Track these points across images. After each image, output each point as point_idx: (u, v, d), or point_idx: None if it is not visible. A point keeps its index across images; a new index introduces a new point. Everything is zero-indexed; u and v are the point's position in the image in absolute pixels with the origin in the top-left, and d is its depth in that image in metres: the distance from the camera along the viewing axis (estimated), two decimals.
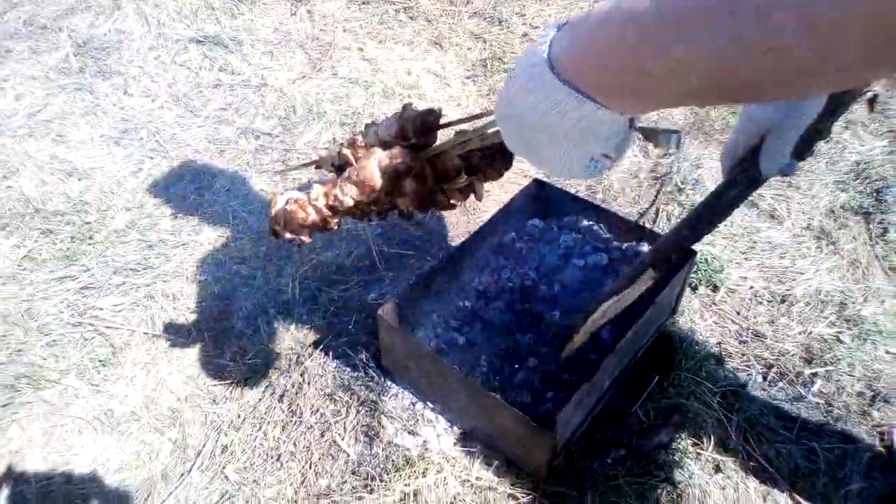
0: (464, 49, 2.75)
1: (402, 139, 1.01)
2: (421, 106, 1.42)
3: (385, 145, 1.02)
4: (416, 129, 0.98)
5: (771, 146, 0.82)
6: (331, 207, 1.05)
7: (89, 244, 1.91)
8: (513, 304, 1.48)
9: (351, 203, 1.02)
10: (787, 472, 1.37)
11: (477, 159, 0.96)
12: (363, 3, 3.04)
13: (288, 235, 1.10)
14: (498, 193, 2.02)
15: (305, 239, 1.10)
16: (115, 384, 1.58)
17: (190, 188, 2.09)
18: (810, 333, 1.63)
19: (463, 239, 1.63)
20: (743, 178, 0.86)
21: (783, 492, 1.33)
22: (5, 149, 2.22)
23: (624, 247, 1.53)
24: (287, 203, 1.09)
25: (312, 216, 1.06)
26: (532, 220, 1.66)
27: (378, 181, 0.99)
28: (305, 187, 1.25)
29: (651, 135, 0.68)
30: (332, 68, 2.63)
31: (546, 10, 3.00)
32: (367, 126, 1.09)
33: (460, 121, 1.02)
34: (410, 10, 3.00)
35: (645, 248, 1.49)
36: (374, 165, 0.99)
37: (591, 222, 1.58)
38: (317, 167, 1.25)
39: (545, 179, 1.74)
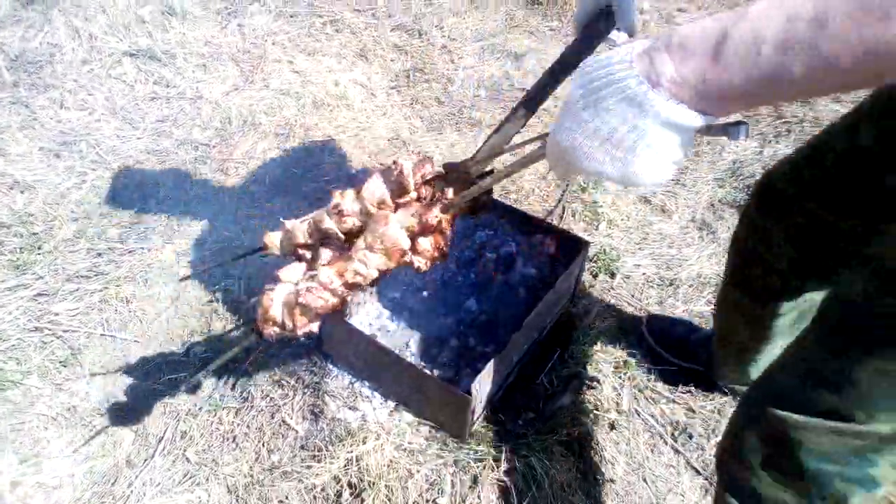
0: (387, 61, 2.95)
1: (402, 196, 0.98)
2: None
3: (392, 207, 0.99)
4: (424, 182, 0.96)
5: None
6: (351, 285, 0.98)
7: (38, 254, 2.02)
8: (435, 294, 1.70)
9: (376, 274, 0.96)
10: (670, 428, 1.64)
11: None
12: (290, 16, 3.19)
13: (291, 328, 1.02)
14: None
15: (314, 329, 1.03)
16: (76, 383, 1.71)
17: (135, 197, 2.22)
18: (692, 311, 1.92)
19: None
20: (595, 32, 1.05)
21: (666, 444, 1.60)
22: None
23: (530, 239, 1.77)
24: (295, 296, 1.00)
25: (332, 301, 0.99)
26: None
27: (407, 243, 0.93)
28: (287, 275, 1.11)
29: (719, 130, 0.67)
30: (263, 80, 2.79)
31: (463, 23, 3.23)
32: (342, 196, 1.03)
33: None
34: (336, 23, 3.18)
35: (548, 240, 1.74)
36: (397, 228, 0.94)
37: (502, 219, 1.82)
38: (263, 252, 1.16)
39: None
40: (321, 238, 1.07)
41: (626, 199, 2.23)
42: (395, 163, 0.98)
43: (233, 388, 1.69)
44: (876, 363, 0.86)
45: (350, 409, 1.56)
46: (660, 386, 1.73)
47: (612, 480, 1.51)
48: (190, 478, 1.54)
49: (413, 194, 0.98)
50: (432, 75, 2.91)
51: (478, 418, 1.52)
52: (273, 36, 3.04)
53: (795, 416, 0.95)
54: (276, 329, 1.03)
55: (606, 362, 1.70)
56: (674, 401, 1.68)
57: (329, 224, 1.03)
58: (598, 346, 1.73)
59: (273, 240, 1.13)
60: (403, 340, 1.63)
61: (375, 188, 0.98)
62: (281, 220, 1.17)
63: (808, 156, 1.12)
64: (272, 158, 2.39)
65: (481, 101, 2.79)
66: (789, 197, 1.15)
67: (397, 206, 0.99)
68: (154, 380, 1.72)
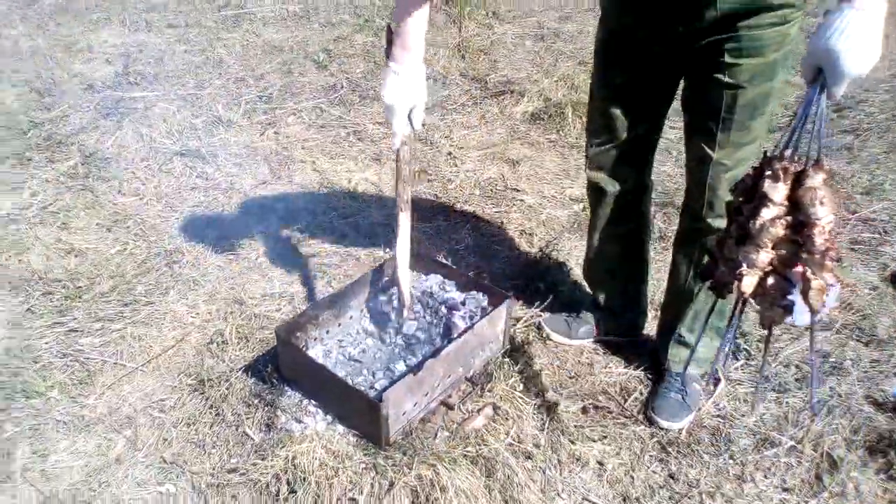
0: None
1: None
2: None
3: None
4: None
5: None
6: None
7: (78, 301, 2.45)
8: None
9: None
10: (594, 461, 1.85)
11: None
12: (321, 126, 3.75)
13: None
14: None
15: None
16: (87, 398, 2.07)
17: (161, 263, 2.66)
18: (621, 374, 2.16)
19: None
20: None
21: (572, 475, 1.82)
22: (20, 233, 2.80)
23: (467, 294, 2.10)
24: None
25: None
26: None
27: None
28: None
29: None
30: (288, 177, 3.28)
31: (470, 135, 3.70)
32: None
33: None
34: (359, 133, 3.71)
35: (481, 295, 2.05)
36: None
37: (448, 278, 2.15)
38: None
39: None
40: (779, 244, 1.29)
41: None
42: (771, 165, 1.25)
43: (211, 407, 2.01)
44: None
45: (296, 421, 1.86)
46: (587, 431, 1.95)
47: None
48: (166, 473, 1.85)
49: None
50: (435, 176, 3.34)
51: (398, 431, 1.78)
52: (303, 142, 3.58)
53: None
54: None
55: (526, 402, 1.96)
56: (594, 439, 1.90)
57: (777, 231, 1.26)
58: (521, 387, 1.99)
59: (748, 284, 1.30)
60: (358, 368, 1.95)
61: (780, 192, 1.24)
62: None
63: None
64: (286, 236, 2.82)
65: (475, 198, 3.19)
66: None
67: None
68: (150, 399, 2.07)
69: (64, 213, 2.95)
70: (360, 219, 2.96)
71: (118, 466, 1.87)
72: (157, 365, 2.20)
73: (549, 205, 3.10)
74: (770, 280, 1.30)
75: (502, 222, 2.98)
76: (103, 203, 3.03)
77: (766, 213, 1.26)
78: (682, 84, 1.78)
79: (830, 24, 1.21)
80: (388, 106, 1.67)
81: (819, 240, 1.21)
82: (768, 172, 1.26)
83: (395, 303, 2.07)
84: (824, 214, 1.22)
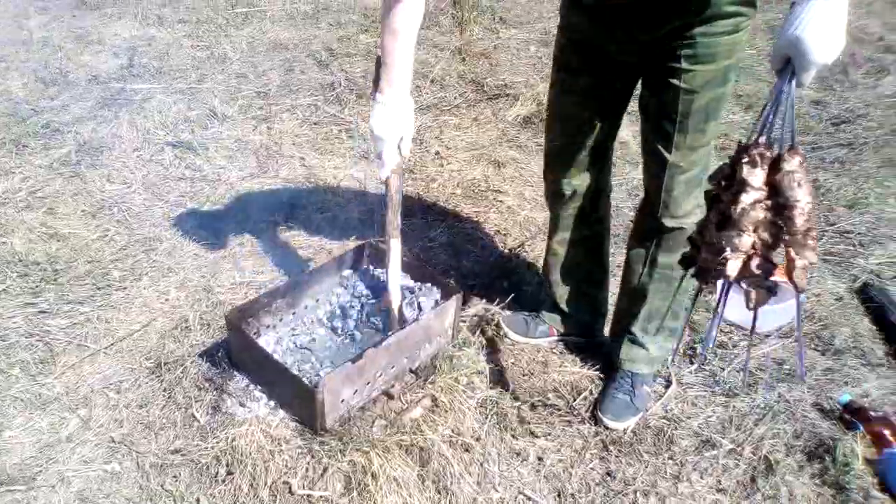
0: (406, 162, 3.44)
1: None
2: None
3: None
4: None
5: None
6: None
7: (52, 284, 2.51)
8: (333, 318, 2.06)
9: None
10: (533, 457, 1.86)
11: None
12: (314, 123, 3.79)
13: None
14: None
15: None
16: (47, 377, 2.13)
17: (139, 250, 2.72)
18: (574, 373, 2.16)
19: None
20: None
21: (509, 468, 1.83)
22: (6, 216, 2.88)
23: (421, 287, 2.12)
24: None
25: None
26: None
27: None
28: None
29: None
30: (275, 171, 3.33)
31: (460, 136, 3.72)
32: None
33: None
34: (350, 131, 3.74)
35: (434, 289, 2.07)
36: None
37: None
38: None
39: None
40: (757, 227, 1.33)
41: None
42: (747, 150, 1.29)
43: (164, 390, 2.05)
44: None
45: (241, 405, 1.90)
46: (531, 426, 1.96)
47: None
48: (112, 452, 1.89)
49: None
50: (420, 175, 3.37)
51: (336, 419, 1.81)
52: (294, 137, 3.62)
53: None
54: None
55: (470, 397, 1.97)
56: (531, 434, 1.91)
57: (759, 215, 1.30)
58: (464, 381, 2.00)
59: (732, 268, 1.34)
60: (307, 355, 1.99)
61: (758, 177, 1.28)
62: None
63: None
64: (263, 227, 2.86)
65: (456, 197, 3.20)
66: None
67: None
68: (107, 380, 2.12)
69: (52, 198, 3.02)
70: (338, 213, 2.99)
71: (67, 444, 1.92)
72: (121, 348, 2.25)
73: (529, 207, 3.10)
74: (755, 262, 1.33)
75: (479, 222, 2.99)
76: (91, 190, 3.10)
77: (747, 198, 1.30)
78: (639, 89, 1.80)
79: (797, 14, 1.24)
80: (377, 137, 1.72)
81: (800, 220, 1.25)
82: (746, 159, 1.30)
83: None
84: (803, 196, 1.25)
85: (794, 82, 1.29)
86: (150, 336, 2.30)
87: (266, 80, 4.24)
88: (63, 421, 1.99)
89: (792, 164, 1.27)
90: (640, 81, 1.78)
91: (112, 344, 2.26)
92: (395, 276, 1.98)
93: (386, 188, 1.86)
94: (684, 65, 1.59)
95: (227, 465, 1.77)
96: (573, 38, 1.79)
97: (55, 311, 2.38)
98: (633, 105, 1.86)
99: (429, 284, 2.11)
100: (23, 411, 2.02)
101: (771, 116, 1.31)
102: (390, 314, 2.03)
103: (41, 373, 2.14)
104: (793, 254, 1.28)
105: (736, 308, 2.36)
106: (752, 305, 1.38)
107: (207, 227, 2.86)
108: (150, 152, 3.38)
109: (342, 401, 1.80)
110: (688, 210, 1.79)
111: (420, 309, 2.09)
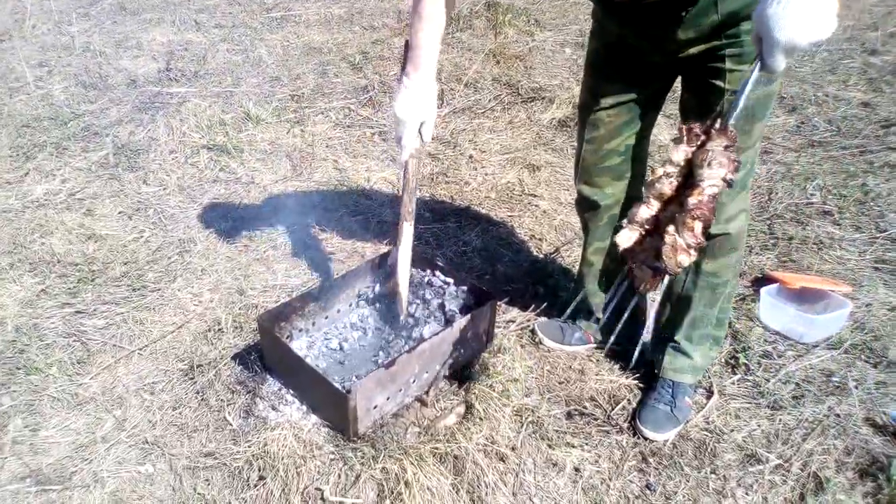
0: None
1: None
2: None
3: None
4: None
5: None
6: (713, 197, 1.23)
7: (90, 285, 2.53)
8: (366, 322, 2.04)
9: (721, 185, 1.22)
10: (570, 468, 1.81)
11: None
12: (347, 126, 3.79)
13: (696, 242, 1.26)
14: None
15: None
16: (84, 377, 2.14)
17: (174, 252, 2.73)
18: (612, 382, 2.10)
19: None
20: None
21: (549, 481, 1.78)
22: (46, 217, 2.92)
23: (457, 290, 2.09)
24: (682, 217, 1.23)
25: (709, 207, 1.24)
26: None
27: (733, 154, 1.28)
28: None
29: None
30: (309, 174, 3.33)
31: (494, 139, 3.68)
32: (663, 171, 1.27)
33: None
34: (384, 134, 3.73)
35: (469, 294, 2.03)
36: (720, 146, 1.26)
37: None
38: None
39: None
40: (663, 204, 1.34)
41: None
42: (680, 129, 1.31)
43: (197, 392, 2.05)
44: None
45: (273, 409, 1.88)
46: (568, 437, 1.91)
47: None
48: (146, 454, 1.89)
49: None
50: (453, 178, 3.34)
51: (369, 425, 1.78)
52: (328, 140, 3.62)
53: None
54: (686, 257, 1.24)
55: (505, 405, 1.92)
56: (574, 445, 1.86)
57: (664, 188, 1.31)
58: (499, 389, 1.95)
59: (624, 237, 1.38)
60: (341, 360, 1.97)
61: (680, 153, 1.29)
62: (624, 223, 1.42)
63: None
64: (296, 230, 2.85)
65: (490, 200, 3.17)
66: None
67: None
68: (143, 381, 2.12)
69: (90, 199, 3.06)
70: (371, 217, 2.97)
71: (103, 444, 1.92)
72: (155, 349, 2.25)
73: (564, 211, 3.05)
74: (649, 239, 1.31)
75: (513, 226, 2.94)
76: (128, 192, 3.13)
77: (659, 171, 1.29)
78: (676, 90, 1.74)
79: None
80: (400, 119, 1.71)
81: (693, 199, 1.23)
82: (676, 136, 1.29)
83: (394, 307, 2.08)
84: (709, 177, 1.22)
85: (757, 64, 1.24)
86: (183, 338, 2.30)
87: (300, 84, 4.25)
88: (98, 421, 2.00)
89: (713, 144, 1.25)
90: (677, 82, 1.72)
91: (146, 345, 2.26)
92: (405, 261, 1.95)
93: (404, 171, 1.84)
94: (728, 65, 1.53)
95: (259, 470, 1.75)
96: (606, 41, 1.74)
97: (92, 312, 2.39)
98: (671, 107, 1.80)
99: (464, 288, 2.07)
100: (59, 411, 2.03)
101: (739, 99, 1.28)
102: (397, 300, 2.00)
103: (78, 373, 2.15)
104: (671, 229, 1.25)
105: (779, 317, 2.30)
106: (637, 286, 1.34)
107: (241, 230, 2.86)
108: (185, 155, 3.41)
109: (375, 407, 1.77)
110: (732, 214, 1.72)
111: (444, 311, 2.06)
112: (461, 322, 1.86)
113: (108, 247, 2.76)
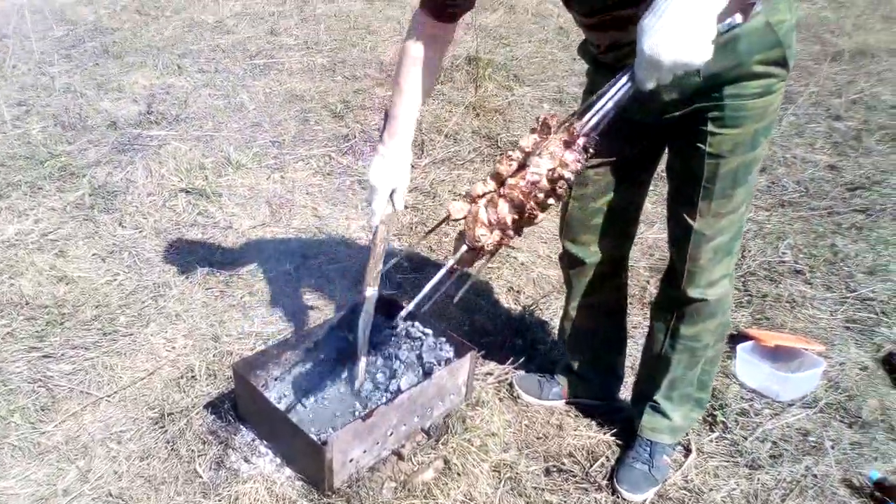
0: (398, 215, 3.42)
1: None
2: None
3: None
4: None
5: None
6: (532, 184, 1.25)
7: (58, 328, 2.47)
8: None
9: (543, 173, 1.24)
10: None
11: None
12: (327, 174, 3.80)
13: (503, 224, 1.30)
14: None
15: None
16: (47, 425, 2.07)
17: (148, 296, 2.69)
18: (590, 438, 2.09)
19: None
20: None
21: None
22: (17, 257, 2.86)
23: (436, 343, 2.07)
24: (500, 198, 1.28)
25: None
26: None
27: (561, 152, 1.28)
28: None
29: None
30: (287, 221, 3.32)
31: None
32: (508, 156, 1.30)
33: None
34: (364, 183, 3.73)
35: (447, 345, 2.02)
36: (557, 142, 1.26)
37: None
38: (448, 220, 1.43)
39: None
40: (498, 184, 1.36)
41: None
42: (537, 118, 1.33)
43: (167, 442, 1.99)
44: None
45: (245, 461, 1.83)
46: (546, 494, 1.88)
47: None
48: None
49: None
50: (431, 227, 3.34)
51: (344, 479, 1.74)
52: (308, 187, 3.62)
53: None
54: (485, 232, 1.27)
55: (483, 460, 1.89)
56: (548, 502, 1.83)
57: (502, 168, 1.33)
58: (477, 443, 1.93)
59: (456, 208, 1.40)
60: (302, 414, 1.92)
61: (529, 140, 1.31)
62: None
63: None
64: (274, 277, 2.83)
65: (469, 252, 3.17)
66: None
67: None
68: (109, 430, 2.05)
69: (63, 241, 3.01)
70: (349, 265, 2.96)
71: (63, 498, 1.85)
72: (124, 396, 2.19)
73: (542, 264, 3.07)
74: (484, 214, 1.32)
75: (491, 278, 2.95)
76: (102, 234, 3.08)
77: (504, 157, 1.32)
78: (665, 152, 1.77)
79: (654, 5, 1.16)
80: (372, 185, 1.72)
81: (511, 180, 1.26)
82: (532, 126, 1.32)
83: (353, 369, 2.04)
84: (534, 165, 1.25)
85: (627, 76, 1.26)
86: (154, 384, 2.24)
87: (281, 130, 4.27)
88: (60, 472, 1.92)
89: (554, 137, 1.28)
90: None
91: (115, 392, 2.20)
92: (366, 328, 1.93)
93: (373, 236, 1.84)
94: (711, 128, 1.55)
95: None
96: None
97: (59, 356, 2.33)
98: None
99: (442, 339, 2.06)
100: (21, 460, 1.95)
101: (601, 101, 1.29)
102: (356, 366, 1.98)
103: (41, 420, 2.08)
104: (482, 202, 1.30)
105: (755, 375, 2.32)
106: (453, 261, 1.39)
107: (217, 276, 2.83)
108: (163, 198, 3.38)
109: (351, 460, 1.73)
110: (714, 279, 1.73)
111: (422, 362, 2.03)
112: (440, 374, 1.84)
113: (80, 289, 2.71)
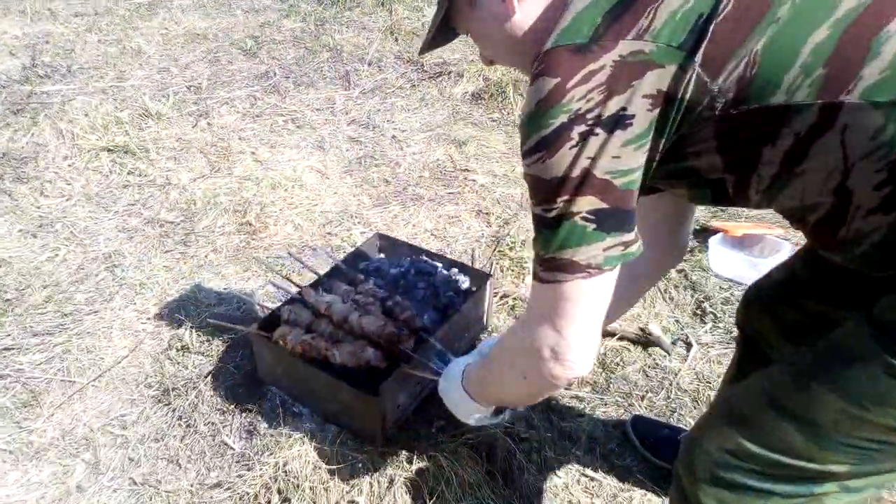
0: (342, 150, 3.27)
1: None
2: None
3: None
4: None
5: None
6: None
7: (9, 316, 2.21)
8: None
9: None
10: (584, 441, 1.80)
11: None
12: (256, 115, 3.55)
13: None
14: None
15: None
16: (34, 421, 1.87)
17: (100, 268, 2.45)
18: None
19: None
20: None
21: (571, 460, 1.76)
22: None
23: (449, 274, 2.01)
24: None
25: None
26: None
27: None
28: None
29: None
30: (228, 169, 3.09)
31: (412, 118, 3.59)
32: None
33: None
34: (297, 121, 3.53)
35: (462, 276, 1.97)
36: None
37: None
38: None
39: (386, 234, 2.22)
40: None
41: None
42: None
43: (179, 418, 1.85)
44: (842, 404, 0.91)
45: (281, 424, 1.73)
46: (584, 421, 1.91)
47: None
48: (135, 497, 1.68)
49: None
50: (382, 161, 3.22)
51: (393, 425, 1.68)
52: (239, 132, 3.38)
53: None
54: None
55: None
56: (590, 419, 1.86)
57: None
58: None
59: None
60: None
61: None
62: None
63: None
64: (229, 231, 2.64)
65: (426, 180, 3.08)
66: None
67: None
68: (108, 417, 1.89)
69: None
70: (311, 205, 2.81)
71: (81, 494, 1.69)
72: (111, 378, 2.01)
73: (502, 183, 3.03)
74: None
75: (457, 203, 2.89)
76: (24, 207, 2.76)
77: None
78: None
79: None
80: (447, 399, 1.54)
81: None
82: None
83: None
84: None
85: None
86: (141, 361, 2.07)
87: (193, 73, 3.94)
88: (67, 469, 1.76)
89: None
90: None
91: (100, 375, 2.01)
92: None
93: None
94: None
95: (280, 493, 1.60)
96: None
97: (23, 346, 2.10)
98: None
99: (454, 269, 2.00)
100: (15, 465, 1.76)
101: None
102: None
103: (26, 417, 1.88)
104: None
105: (728, 265, 2.42)
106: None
107: (172, 236, 2.61)
108: (84, 160, 3.06)
109: (398, 406, 1.67)
110: None
111: (439, 296, 1.97)
112: (467, 305, 1.79)
113: (17, 270, 2.43)
